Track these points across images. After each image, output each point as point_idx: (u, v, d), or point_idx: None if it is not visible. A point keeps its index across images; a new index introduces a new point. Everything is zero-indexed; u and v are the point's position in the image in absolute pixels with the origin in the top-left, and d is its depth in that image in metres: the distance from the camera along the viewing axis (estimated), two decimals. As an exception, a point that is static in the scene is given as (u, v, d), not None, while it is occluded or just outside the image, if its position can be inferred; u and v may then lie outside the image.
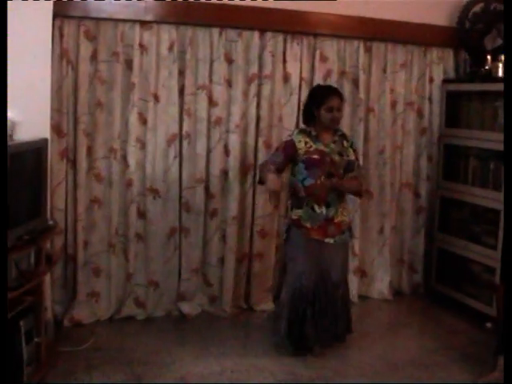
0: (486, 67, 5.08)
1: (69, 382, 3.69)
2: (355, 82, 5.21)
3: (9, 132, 3.39)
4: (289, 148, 4.09)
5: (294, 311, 4.07)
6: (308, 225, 4.06)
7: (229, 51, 4.82)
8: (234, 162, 4.88)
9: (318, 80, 4.99)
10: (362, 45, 5.18)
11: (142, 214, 4.75)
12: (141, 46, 4.60)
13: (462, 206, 5.26)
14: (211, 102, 4.82)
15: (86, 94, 4.54)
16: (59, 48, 4.42)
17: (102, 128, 4.60)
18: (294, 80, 5.01)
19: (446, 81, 5.45)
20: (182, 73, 4.74)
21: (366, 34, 5.14)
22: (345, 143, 4.18)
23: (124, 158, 4.67)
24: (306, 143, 4.08)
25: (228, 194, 4.91)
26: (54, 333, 4.21)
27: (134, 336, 4.45)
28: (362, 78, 5.21)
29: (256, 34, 4.86)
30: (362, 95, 5.22)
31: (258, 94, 4.93)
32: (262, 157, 4.85)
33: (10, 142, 3.29)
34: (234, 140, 4.87)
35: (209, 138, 4.85)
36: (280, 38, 4.94)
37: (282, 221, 4.91)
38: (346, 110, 4.88)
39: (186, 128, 4.77)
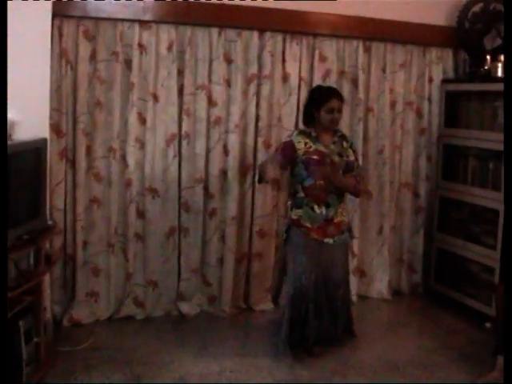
0: (486, 67, 5.08)
1: (68, 381, 3.69)
2: (354, 82, 5.21)
3: (8, 132, 3.39)
4: (288, 149, 4.10)
5: (295, 311, 4.06)
6: (308, 224, 4.07)
7: (228, 51, 4.82)
8: (233, 161, 4.88)
9: (317, 80, 4.99)
10: (361, 45, 5.18)
11: (141, 214, 4.75)
12: (140, 45, 4.60)
13: (461, 205, 5.26)
14: (210, 102, 4.82)
15: (85, 94, 4.54)
16: (58, 48, 4.42)
17: (101, 128, 4.60)
18: (293, 80, 5.01)
19: (445, 81, 5.45)
20: (181, 73, 4.74)
21: (365, 33, 5.14)
22: (344, 144, 4.18)
23: (123, 157, 4.67)
24: (305, 144, 4.08)
25: (227, 194, 4.91)
26: (53, 333, 4.20)
27: (133, 336, 4.45)
28: (362, 77, 5.21)
29: (255, 34, 4.86)
30: (361, 95, 5.22)
31: (258, 94, 4.93)
32: (262, 157, 4.85)
33: (9, 142, 3.29)
34: (234, 140, 4.87)
35: (208, 137, 4.85)
36: (279, 37, 4.94)
37: (281, 221, 4.92)
38: (346, 109, 4.87)
39: (185, 128, 4.77)
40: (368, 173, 5.30)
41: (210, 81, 4.80)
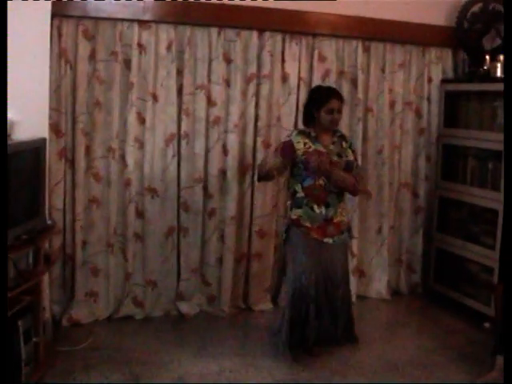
0: (485, 67, 5.08)
1: (67, 381, 3.69)
2: (354, 82, 5.22)
3: (7, 131, 3.38)
4: (287, 149, 4.09)
5: (295, 312, 4.04)
6: (308, 224, 4.06)
7: (227, 51, 4.82)
8: (232, 161, 4.88)
9: (317, 80, 4.99)
10: (360, 45, 5.18)
11: (140, 214, 4.75)
12: (139, 45, 4.60)
13: (461, 205, 5.26)
14: (210, 102, 4.82)
15: (85, 94, 4.54)
16: (57, 47, 4.42)
17: (101, 128, 4.60)
18: (293, 80, 5.01)
19: (444, 81, 5.45)
20: (180, 72, 4.74)
21: (364, 33, 5.14)
22: (344, 144, 4.18)
23: (122, 157, 4.67)
24: (304, 144, 4.08)
25: (226, 194, 4.91)
26: (52, 332, 4.20)
27: (133, 336, 4.45)
28: (361, 77, 5.21)
29: (254, 34, 4.86)
30: (360, 95, 5.22)
31: (257, 94, 4.93)
32: (261, 156, 4.85)
33: (8, 142, 3.28)
34: (233, 140, 4.87)
35: (207, 137, 4.85)
36: (278, 37, 4.94)
37: (280, 221, 4.92)
38: (345, 109, 4.86)
39: (184, 128, 4.77)
40: (367, 173, 5.30)
41: (209, 81, 4.80)
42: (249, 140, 4.94)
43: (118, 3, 4.46)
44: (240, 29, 4.81)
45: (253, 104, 4.92)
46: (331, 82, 4.99)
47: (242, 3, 4.73)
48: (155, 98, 4.68)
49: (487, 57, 5.09)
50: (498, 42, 5.22)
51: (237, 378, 3.86)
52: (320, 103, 4.06)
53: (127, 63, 4.60)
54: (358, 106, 5.22)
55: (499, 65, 4.94)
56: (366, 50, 5.23)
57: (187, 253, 4.88)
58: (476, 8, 5.32)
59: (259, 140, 4.94)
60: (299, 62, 5.03)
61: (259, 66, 4.91)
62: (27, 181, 3.56)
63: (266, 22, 4.85)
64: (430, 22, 5.28)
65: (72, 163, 4.59)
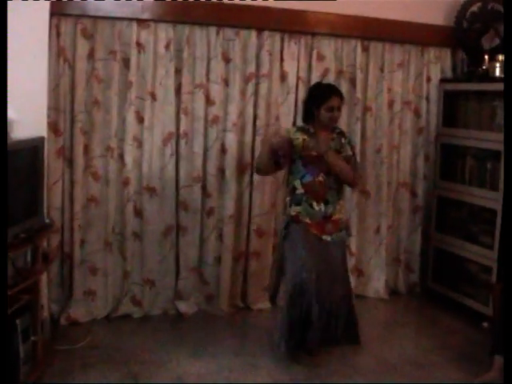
0: (484, 67, 5.08)
1: (65, 380, 3.69)
2: (352, 82, 5.22)
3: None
4: (285, 146, 4.06)
5: (295, 310, 3.98)
6: (307, 220, 4.04)
7: (226, 50, 4.82)
8: (230, 160, 4.88)
9: (315, 79, 4.98)
10: (359, 44, 5.18)
11: (138, 213, 4.75)
12: (138, 44, 4.59)
13: (459, 205, 5.26)
14: (208, 101, 4.82)
15: (83, 93, 4.53)
16: (56, 46, 4.41)
17: (99, 126, 4.60)
18: (292, 79, 5.01)
19: (443, 80, 5.45)
20: (179, 71, 4.74)
21: (363, 33, 5.14)
22: (343, 140, 4.17)
23: (121, 156, 4.67)
24: (303, 140, 4.07)
25: (225, 193, 4.91)
26: (50, 331, 4.21)
27: (131, 335, 4.45)
28: (360, 77, 5.21)
29: (253, 33, 4.86)
30: (359, 94, 5.22)
31: (256, 93, 4.93)
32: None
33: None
34: (231, 139, 4.87)
35: (206, 136, 4.85)
36: (277, 37, 4.94)
37: (279, 220, 4.91)
38: (344, 109, 4.86)
39: (183, 127, 4.77)
40: (365, 171, 5.30)
41: (207, 80, 4.80)
42: (247, 139, 4.94)
43: (116, 2, 4.46)
44: (239, 28, 4.81)
45: (251, 103, 4.92)
46: (330, 81, 4.96)
47: (241, 2, 4.73)
48: (154, 97, 4.68)
49: (486, 56, 5.09)
50: (497, 41, 5.22)
51: (235, 378, 3.85)
52: (320, 100, 4.05)
53: (126, 62, 4.60)
54: (356, 106, 5.23)
55: (498, 64, 4.93)
56: (365, 49, 5.23)
57: (186, 252, 4.87)
58: (475, 8, 5.32)
59: (258, 139, 4.93)
60: (298, 62, 5.03)
61: (258, 66, 4.91)
62: (25, 179, 3.56)
63: (264, 22, 4.85)
64: (428, 21, 5.29)
65: (70, 162, 4.58)
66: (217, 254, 4.95)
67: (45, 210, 3.98)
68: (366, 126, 5.29)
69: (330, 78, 5.06)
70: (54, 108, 4.42)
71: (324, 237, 4.06)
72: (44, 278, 4.06)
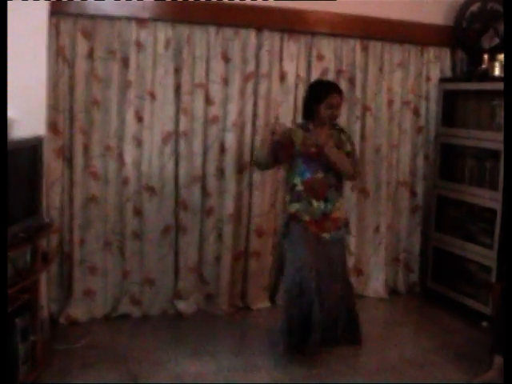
0: (483, 66, 5.08)
1: (64, 380, 3.69)
2: (352, 81, 5.22)
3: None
4: (285, 144, 4.06)
5: (295, 308, 3.97)
6: (306, 218, 4.03)
7: (226, 49, 4.82)
8: (230, 160, 4.88)
9: (315, 79, 4.98)
10: (358, 44, 5.18)
11: (138, 212, 4.75)
12: (137, 44, 4.59)
13: (459, 205, 5.26)
14: (208, 101, 4.82)
15: (83, 92, 4.53)
16: (55, 46, 4.41)
17: (98, 126, 4.59)
18: (291, 79, 5.01)
19: (442, 80, 5.45)
20: (178, 71, 4.73)
21: (362, 32, 5.14)
22: (342, 137, 4.16)
23: (120, 155, 4.67)
24: (303, 137, 4.05)
25: (224, 193, 4.90)
26: (49, 331, 4.20)
27: (130, 334, 4.45)
28: (359, 76, 5.21)
29: (253, 33, 4.85)
30: (358, 94, 5.23)
31: (255, 93, 4.93)
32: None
33: (5, 140, 3.28)
34: (231, 138, 4.86)
35: (205, 136, 4.84)
36: (277, 36, 4.94)
37: (278, 219, 4.91)
38: (343, 108, 4.86)
39: (182, 126, 4.77)
40: (365, 171, 5.30)
41: (207, 79, 4.80)
42: (247, 139, 4.94)
43: (116, 2, 4.45)
44: (238, 27, 4.80)
45: (251, 103, 4.91)
46: (329, 80, 4.99)
47: (241, 2, 4.73)
48: (153, 96, 4.67)
49: (485, 56, 5.09)
50: (497, 41, 5.22)
51: (235, 378, 3.84)
52: (320, 98, 4.04)
53: (125, 62, 4.60)
54: (356, 105, 5.23)
55: (497, 64, 4.94)
56: (365, 49, 5.23)
57: (185, 251, 4.87)
58: (474, 7, 5.32)
59: (257, 139, 4.93)
60: (297, 61, 5.02)
61: (257, 65, 4.91)
62: (25, 179, 3.56)
63: (264, 21, 4.85)
64: (428, 21, 5.29)
65: (70, 161, 4.58)
66: (216, 253, 4.95)
67: (44, 210, 3.98)
68: (366, 126, 5.29)
69: (330, 78, 5.04)
70: (53, 107, 4.41)
71: (323, 235, 4.05)
72: (43, 277, 4.05)
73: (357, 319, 4.26)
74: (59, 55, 4.44)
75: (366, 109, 5.28)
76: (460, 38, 5.35)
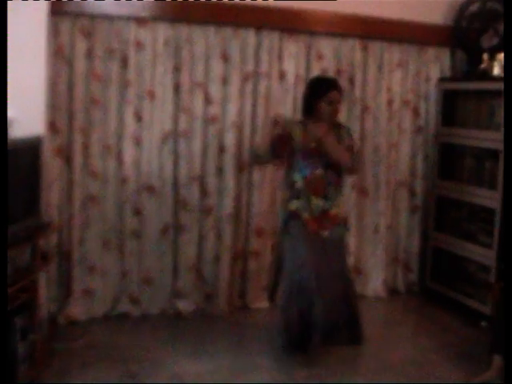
0: (483, 66, 5.08)
1: (63, 379, 3.69)
2: (351, 81, 5.21)
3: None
4: (284, 140, 4.05)
5: (294, 308, 3.98)
6: (305, 216, 4.02)
7: (225, 49, 4.81)
8: (229, 159, 4.88)
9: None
10: (358, 43, 5.18)
11: (137, 212, 4.75)
12: (137, 43, 4.59)
13: (458, 204, 5.26)
14: (207, 100, 4.82)
15: (82, 91, 4.53)
16: (54, 45, 4.41)
17: (98, 125, 4.59)
18: (290, 78, 5.01)
19: (442, 79, 5.45)
20: (177, 70, 4.73)
21: (362, 32, 5.14)
22: (342, 132, 4.15)
23: (119, 155, 4.67)
24: (303, 134, 4.04)
25: (223, 192, 4.90)
26: (48, 330, 4.19)
27: (129, 333, 4.45)
28: (358, 76, 5.22)
29: (252, 32, 4.85)
30: (357, 94, 5.23)
31: (254, 92, 4.93)
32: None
33: (5, 139, 3.28)
34: (230, 138, 4.86)
35: (204, 135, 4.84)
36: (276, 35, 4.94)
37: (277, 219, 4.90)
38: (342, 108, 4.86)
39: (181, 125, 4.77)
40: (364, 170, 5.30)
41: (206, 79, 4.80)
42: (246, 138, 4.93)
43: (115, 1, 4.45)
44: (238, 27, 4.80)
45: (250, 102, 4.92)
46: (329, 80, 4.98)
47: (240, 2, 4.73)
48: (152, 95, 4.67)
49: (485, 56, 5.09)
50: (496, 41, 5.22)
51: (234, 377, 3.84)
52: (320, 94, 4.03)
53: (124, 61, 4.60)
54: (355, 105, 5.23)
55: (497, 64, 4.94)
56: (364, 48, 5.23)
57: (184, 250, 4.87)
58: (474, 7, 5.32)
59: (256, 138, 4.93)
60: (297, 61, 5.02)
61: (257, 64, 4.91)
62: (24, 178, 3.55)
63: (263, 20, 4.85)
64: (428, 21, 5.29)
65: (69, 161, 4.58)
66: (215, 252, 4.94)
67: (43, 209, 3.97)
68: (365, 125, 5.29)
69: (329, 77, 5.06)
70: (52, 107, 4.41)
71: (321, 232, 4.04)
72: (42, 276, 4.04)
73: (358, 318, 4.25)
74: (58, 54, 4.44)
75: (365, 108, 5.28)
76: (459, 37, 5.35)
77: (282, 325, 4.06)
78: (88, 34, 4.50)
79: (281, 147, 4.02)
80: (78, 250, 4.62)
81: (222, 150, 4.88)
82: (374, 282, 5.46)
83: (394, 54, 5.33)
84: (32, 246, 3.62)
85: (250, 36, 4.85)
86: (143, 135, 4.69)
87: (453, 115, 5.35)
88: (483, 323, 4.73)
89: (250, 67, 4.88)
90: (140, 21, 4.58)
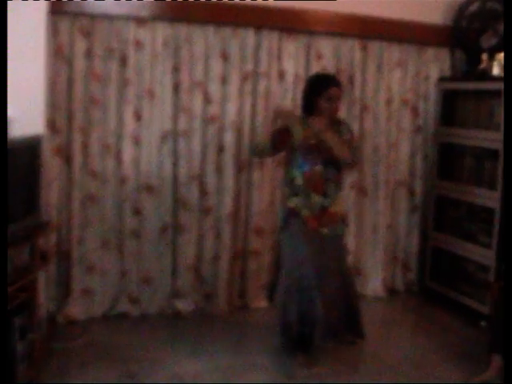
0: (482, 66, 5.08)
1: (62, 378, 3.69)
2: (350, 80, 5.21)
3: (3, 128, 3.38)
4: (283, 135, 4.03)
5: (293, 306, 3.95)
6: (305, 213, 4.01)
7: (224, 48, 4.81)
8: (229, 158, 4.88)
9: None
10: (357, 43, 5.18)
11: (136, 211, 4.74)
12: (136, 42, 4.59)
13: (457, 204, 5.26)
14: (206, 99, 4.82)
15: (81, 91, 4.53)
16: (54, 44, 4.40)
17: (97, 124, 4.59)
18: (290, 77, 5.01)
19: (441, 79, 5.45)
20: (177, 70, 4.73)
21: (361, 32, 5.14)
22: (341, 128, 4.13)
23: (119, 154, 4.66)
24: (302, 130, 4.02)
25: (223, 191, 4.90)
26: (47, 329, 4.19)
27: (128, 333, 4.45)
28: (358, 76, 5.22)
29: (251, 32, 4.85)
30: (357, 93, 5.23)
31: (254, 92, 4.93)
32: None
33: (4, 138, 3.27)
34: (229, 137, 4.86)
35: (204, 134, 4.84)
36: (275, 35, 4.94)
37: (277, 218, 4.90)
38: (342, 107, 4.86)
39: (180, 125, 4.77)
40: (363, 170, 5.30)
41: (206, 78, 4.80)
42: (245, 137, 4.93)
43: (114, 1, 4.45)
44: (237, 26, 4.80)
45: (250, 101, 4.91)
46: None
47: (239, 1, 4.73)
48: (152, 95, 4.67)
49: (484, 56, 5.09)
50: (496, 40, 5.21)
51: (233, 377, 3.84)
52: (319, 91, 4.01)
53: (124, 60, 4.60)
54: (354, 105, 5.23)
55: (496, 63, 4.94)
56: (363, 48, 5.22)
57: (183, 250, 4.87)
58: (474, 7, 5.32)
59: (256, 136, 4.93)
60: (296, 60, 5.02)
61: (256, 64, 4.91)
62: (23, 177, 3.55)
63: (262, 20, 4.85)
64: (427, 20, 5.28)
65: (68, 160, 4.58)
66: (215, 252, 4.94)
67: (42, 208, 3.97)
68: (364, 125, 5.29)
69: (329, 77, 5.06)
70: (51, 106, 4.41)
71: (322, 230, 4.03)
72: (42, 276, 4.04)
73: (358, 313, 4.24)
74: (58, 54, 4.44)
75: (364, 108, 5.28)
76: (459, 37, 5.35)
77: (282, 323, 4.05)
78: (87, 34, 4.50)
79: (281, 141, 4.02)
80: (77, 250, 4.62)
81: (221, 149, 4.88)
82: (373, 281, 5.46)
83: (393, 53, 5.33)
84: (31, 245, 3.62)
85: (250, 36, 4.85)
86: (142, 134, 4.69)
87: (452, 115, 5.35)
88: (482, 323, 4.73)
89: (249, 67, 4.88)
90: (139, 20, 4.58)
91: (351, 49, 5.19)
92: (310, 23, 4.98)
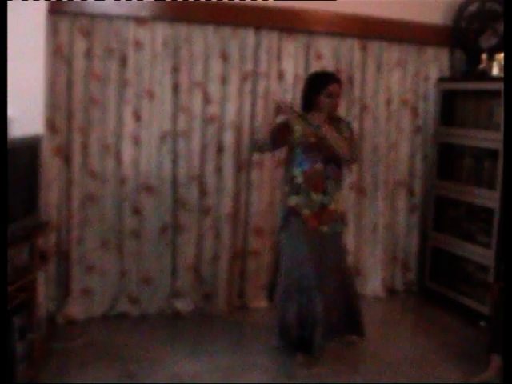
0: (482, 66, 5.08)
1: (62, 378, 3.69)
2: (350, 80, 5.21)
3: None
4: (282, 130, 4.04)
5: (292, 305, 3.96)
6: (305, 212, 3.99)
7: (224, 48, 4.81)
8: (228, 158, 4.88)
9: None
10: (357, 43, 5.18)
11: (136, 211, 4.74)
12: (135, 42, 4.59)
13: (457, 204, 5.26)
14: (206, 99, 4.82)
15: (81, 91, 4.53)
16: (53, 44, 4.41)
17: (97, 124, 4.59)
18: (289, 77, 5.01)
19: (441, 79, 5.45)
20: (176, 70, 4.73)
21: (361, 32, 5.14)
22: (341, 125, 4.13)
23: (118, 154, 4.66)
24: (303, 127, 4.02)
25: (222, 191, 4.90)
26: (47, 330, 4.19)
27: (128, 333, 4.44)
28: (357, 76, 5.22)
29: (251, 32, 4.85)
30: (356, 93, 5.23)
31: (253, 92, 4.93)
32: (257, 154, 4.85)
33: (3, 138, 3.27)
34: (229, 137, 4.86)
35: (203, 135, 4.84)
36: (275, 35, 4.94)
37: (276, 218, 4.90)
38: (341, 107, 4.87)
39: (180, 125, 4.77)
40: (362, 170, 5.30)
41: (205, 78, 4.80)
42: (245, 137, 4.93)
43: (114, 1, 4.45)
44: (237, 26, 4.80)
45: (249, 101, 4.92)
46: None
47: (239, 1, 4.73)
48: (151, 95, 4.67)
49: (484, 56, 5.09)
50: (495, 41, 5.22)
51: (232, 377, 3.84)
52: (319, 88, 4.01)
53: (123, 60, 4.60)
54: (354, 104, 5.23)
55: (496, 64, 4.94)
56: (363, 48, 5.23)
57: (183, 250, 4.87)
58: (473, 7, 5.32)
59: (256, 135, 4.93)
60: (296, 60, 5.02)
61: (256, 64, 4.91)
62: (23, 177, 3.55)
63: (262, 20, 4.85)
64: (427, 20, 5.29)
65: (68, 160, 4.58)
66: (214, 252, 4.94)
67: (42, 208, 3.97)
68: (364, 125, 5.30)
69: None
70: (51, 106, 4.41)
71: (321, 228, 4.02)
72: (41, 276, 4.04)
73: (359, 312, 4.24)
74: (58, 54, 4.44)
75: (364, 108, 5.29)
76: (458, 37, 5.35)
77: (280, 326, 4.04)
78: (87, 34, 4.50)
79: (281, 137, 4.02)
80: (76, 250, 4.62)
81: (220, 149, 4.88)
82: (372, 281, 5.46)
83: (393, 53, 5.33)
84: (31, 245, 3.62)
85: (249, 36, 4.85)
86: (142, 135, 4.69)
87: (452, 115, 5.35)
88: (482, 323, 4.73)
89: (249, 67, 4.88)
90: (139, 20, 4.58)
91: (351, 49, 5.19)
92: (309, 23, 4.99)
